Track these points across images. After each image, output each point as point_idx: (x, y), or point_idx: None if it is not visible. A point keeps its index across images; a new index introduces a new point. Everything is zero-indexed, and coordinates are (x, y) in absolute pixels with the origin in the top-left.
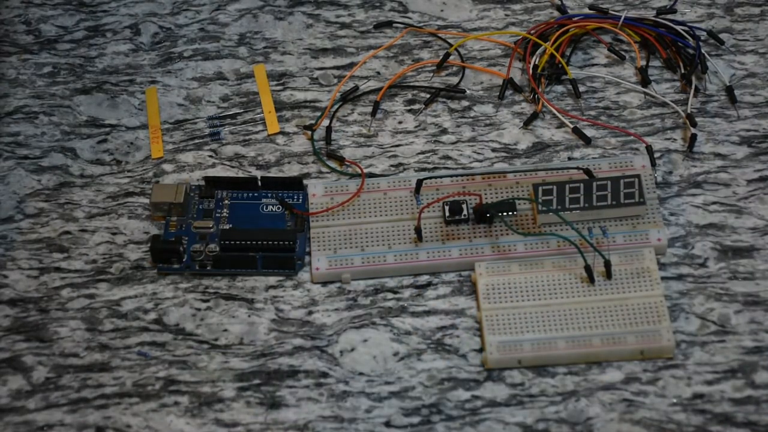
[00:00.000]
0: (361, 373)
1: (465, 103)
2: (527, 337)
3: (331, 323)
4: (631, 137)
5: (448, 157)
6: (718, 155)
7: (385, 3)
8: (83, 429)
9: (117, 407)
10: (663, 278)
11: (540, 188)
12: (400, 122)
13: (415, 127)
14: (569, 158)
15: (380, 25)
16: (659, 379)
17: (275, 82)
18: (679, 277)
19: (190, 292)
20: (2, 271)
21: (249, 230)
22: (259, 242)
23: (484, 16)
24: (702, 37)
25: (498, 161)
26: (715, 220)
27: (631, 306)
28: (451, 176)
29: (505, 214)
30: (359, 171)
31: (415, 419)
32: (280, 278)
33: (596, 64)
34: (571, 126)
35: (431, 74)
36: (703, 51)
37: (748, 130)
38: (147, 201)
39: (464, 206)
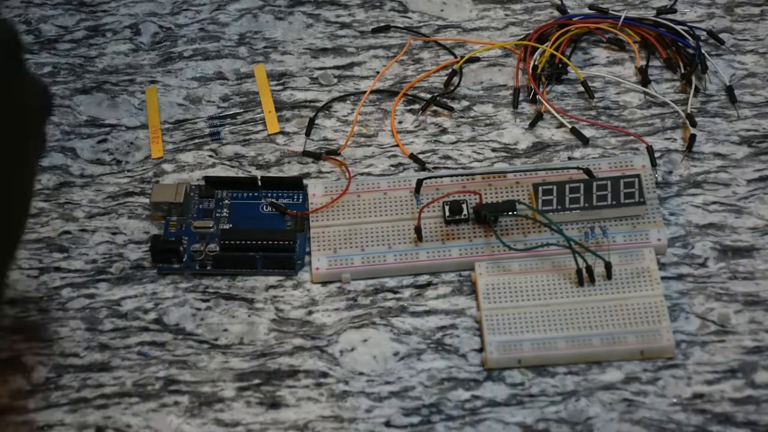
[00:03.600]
0: (361, 373)
1: (465, 103)
2: (527, 337)
3: (331, 323)
4: (631, 137)
5: (448, 157)
6: (718, 155)
7: (385, 3)
8: (83, 429)
9: (117, 407)
10: (663, 278)
11: (540, 188)
12: (400, 122)
13: (415, 126)
14: (569, 158)
15: (378, 30)
16: (659, 379)
17: (275, 82)
18: (679, 277)
19: (190, 292)
20: None
21: (249, 230)
22: (259, 242)
23: (484, 16)
24: (702, 37)
25: (498, 161)
26: (715, 220)
27: (631, 306)
28: (451, 176)
29: (501, 214)
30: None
31: (415, 419)
32: (280, 278)
33: (596, 64)
34: (570, 126)
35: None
36: (703, 51)
37: (748, 130)
38: (147, 201)
39: (464, 206)
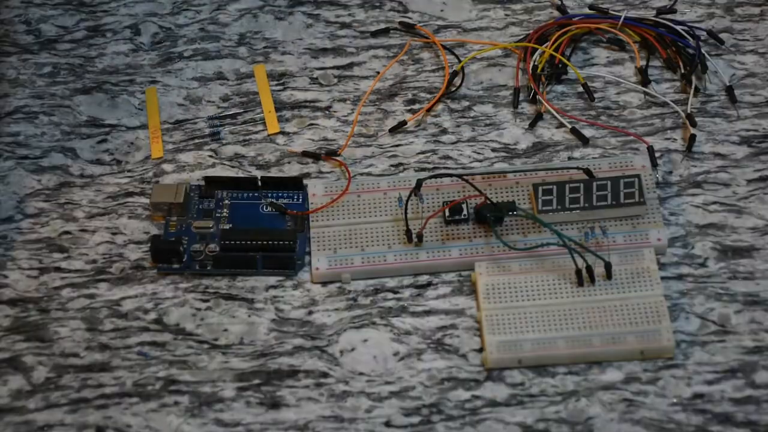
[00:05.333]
0: (361, 373)
1: (465, 103)
2: (527, 337)
3: (331, 323)
4: (631, 137)
5: (448, 157)
6: (718, 155)
7: (384, 3)
8: (83, 429)
9: (117, 407)
10: (663, 278)
11: (540, 188)
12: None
13: (416, 126)
14: (569, 158)
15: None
16: (659, 379)
17: (275, 82)
18: (679, 277)
19: (190, 292)
20: (2, 271)
21: (249, 230)
22: (259, 242)
23: (483, 16)
24: (702, 37)
25: (498, 161)
26: (715, 220)
27: (631, 306)
28: (451, 175)
29: (505, 214)
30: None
31: (415, 419)
32: (280, 278)
33: (596, 64)
34: (569, 126)
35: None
36: (703, 51)
37: (748, 130)
38: (147, 201)
39: (464, 206)
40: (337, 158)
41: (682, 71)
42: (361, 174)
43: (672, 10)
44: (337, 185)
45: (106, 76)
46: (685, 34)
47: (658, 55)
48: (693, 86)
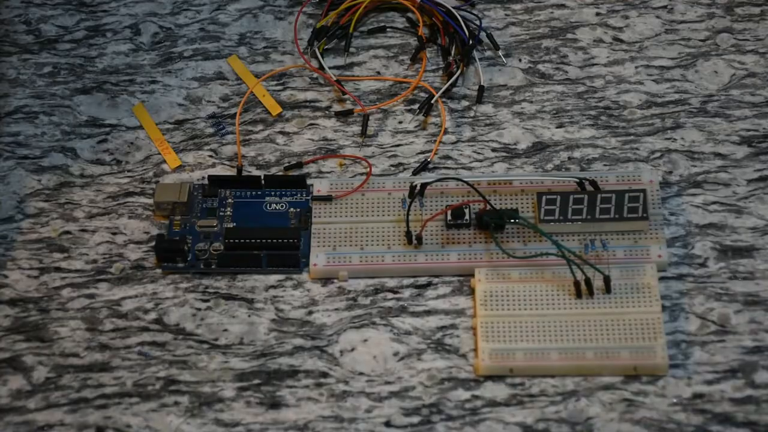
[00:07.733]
0: (361, 373)
1: (465, 103)
2: (521, 347)
3: (331, 323)
4: (632, 137)
5: (448, 157)
6: (718, 155)
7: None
8: (83, 429)
9: (117, 407)
10: (663, 278)
11: (544, 197)
12: (400, 122)
13: (415, 126)
14: (569, 158)
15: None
16: (659, 379)
17: (275, 82)
18: (679, 277)
19: (191, 292)
20: (2, 271)
21: (253, 228)
22: (264, 240)
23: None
24: (483, 38)
25: (498, 161)
26: (715, 220)
27: (627, 321)
28: (454, 179)
29: (508, 222)
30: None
31: (415, 419)
32: (281, 278)
33: (596, 64)
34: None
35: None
36: (474, 53)
37: (748, 130)
38: (147, 201)
39: (467, 211)
40: (364, 158)
41: (449, 60)
42: (361, 174)
43: (471, 3)
44: (341, 182)
45: (106, 76)
46: (466, 30)
47: (439, 41)
48: (455, 77)
